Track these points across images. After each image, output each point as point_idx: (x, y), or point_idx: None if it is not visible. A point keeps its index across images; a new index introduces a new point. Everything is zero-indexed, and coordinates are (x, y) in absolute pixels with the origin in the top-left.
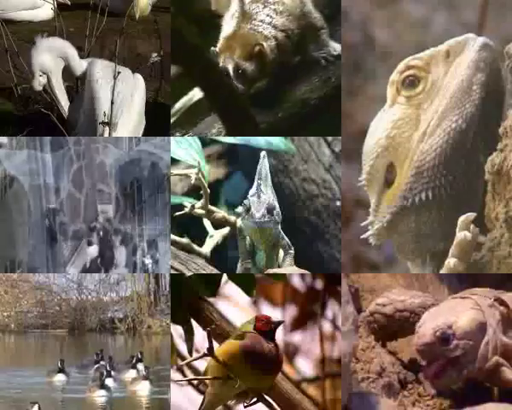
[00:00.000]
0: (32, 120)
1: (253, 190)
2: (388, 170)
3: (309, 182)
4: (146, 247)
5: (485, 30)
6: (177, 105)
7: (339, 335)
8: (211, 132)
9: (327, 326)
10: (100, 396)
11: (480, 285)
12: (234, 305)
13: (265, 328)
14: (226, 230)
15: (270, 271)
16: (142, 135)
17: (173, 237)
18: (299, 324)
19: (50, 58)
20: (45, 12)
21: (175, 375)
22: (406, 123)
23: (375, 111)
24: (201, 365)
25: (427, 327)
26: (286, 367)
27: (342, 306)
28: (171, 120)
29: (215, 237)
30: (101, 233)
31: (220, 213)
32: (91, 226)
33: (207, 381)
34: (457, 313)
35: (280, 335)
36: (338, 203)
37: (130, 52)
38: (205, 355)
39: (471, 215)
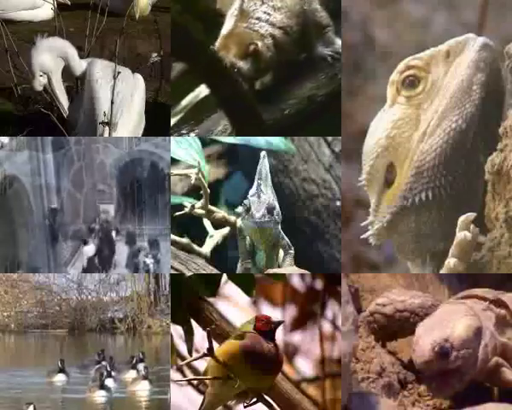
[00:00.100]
0: (31, 120)
1: (253, 190)
2: (388, 170)
3: (309, 182)
4: (147, 247)
5: (485, 30)
6: (184, 102)
7: (339, 335)
8: (217, 129)
9: (327, 326)
10: (100, 397)
11: (480, 285)
12: (234, 305)
13: (265, 328)
14: (226, 230)
15: (270, 271)
16: (142, 135)
17: (173, 237)
18: (298, 324)
19: (50, 58)
20: (45, 12)
21: (175, 375)
22: (406, 123)
23: (375, 111)
24: (201, 365)
25: (425, 343)
26: (286, 367)
27: (342, 306)
28: (178, 118)
29: (215, 237)
30: (101, 233)
31: (220, 213)
32: (91, 227)
33: (207, 381)
34: (452, 322)
35: (280, 335)
36: (338, 203)
37: (130, 52)
38: (205, 355)
39: (471, 215)
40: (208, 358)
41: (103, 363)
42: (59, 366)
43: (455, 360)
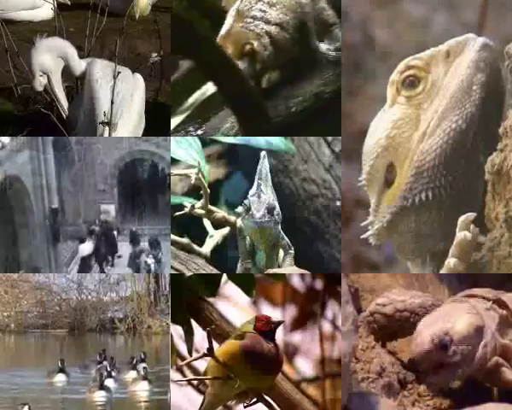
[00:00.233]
0: (31, 120)
1: (253, 190)
2: (388, 170)
3: (309, 182)
4: (148, 247)
5: (485, 30)
6: (190, 100)
7: (339, 335)
8: (224, 127)
9: (327, 326)
10: (100, 397)
11: (480, 285)
12: (234, 305)
13: (265, 328)
14: (226, 230)
15: (270, 271)
16: (142, 135)
17: (173, 237)
18: (298, 324)
19: (50, 58)
20: (45, 12)
21: (175, 375)
22: (406, 123)
23: (375, 111)
24: (201, 365)
25: (425, 335)
26: (286, 367)
27: (342, 306)
28: (184, 115)
29: (215, 237)
30: (101, 233)
31: (220, 213)
32: (91, 227)
33: (207, 381)
34: (454, 318)
35: (280, 335)
36: (338, 203)
37: (131, 52)
38: (205, 355)
39: (471, 215)
40: (208, 358)
41: (104, 363)
42: (59, 366)
43: (453, 354)
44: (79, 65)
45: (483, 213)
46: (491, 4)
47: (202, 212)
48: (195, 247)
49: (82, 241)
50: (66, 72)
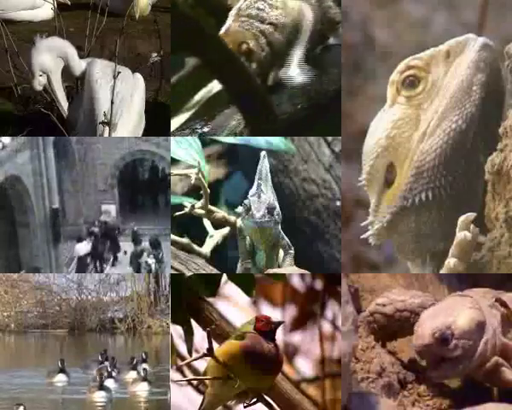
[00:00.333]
0: (32, 120)
1: (253, 190)
2: (388, 170)
3: (309, 182)
4: (149, 247)
5: (485, 30)
6: (196, 97)
7: (339, 335)
8: (231, 124)
9: (327, 326)
10: (100, 397)
11: (480, 285)
12: (234, 305)
13: (265, 328)
14: (226, 230)
15: (270, 271)
16: (142, 135)
17: (173, 237)
18: (298, 324)
19: (50, 58)
20: (45, 12)
21: (175, 375)
22: (406, 123)
23: (375, 111)
24: (201, 365)
25: (426, 328)
26: (286, 367)
27: (342, 306)
28: (190, 113)
29: (215, 237)
30: (100, 233)
31: (220, 213)
32: (90, 230)
33: (207, 381)
34: (456, 312)
35: (280, 335)
36: (338, 203)
37: (131, 52)
38: (205, 355)
39: (471, 215)
40: (208, 358)
41: (106, 363)
42: (59, 366)
43: (454, 348)
44: (79, 65)
45: (483, 213)
46: (491, 4)
47: (202, 212)
48: (195, 247)
49: (79, 240)
50: (66, 72)
